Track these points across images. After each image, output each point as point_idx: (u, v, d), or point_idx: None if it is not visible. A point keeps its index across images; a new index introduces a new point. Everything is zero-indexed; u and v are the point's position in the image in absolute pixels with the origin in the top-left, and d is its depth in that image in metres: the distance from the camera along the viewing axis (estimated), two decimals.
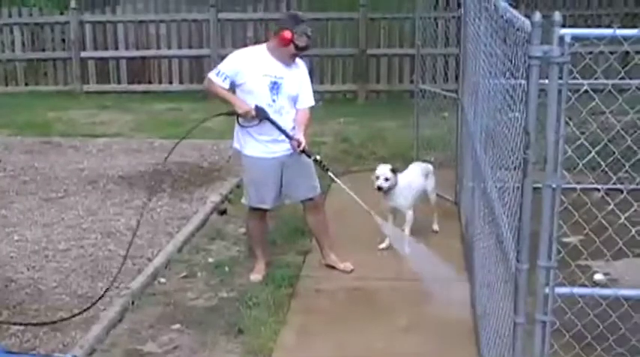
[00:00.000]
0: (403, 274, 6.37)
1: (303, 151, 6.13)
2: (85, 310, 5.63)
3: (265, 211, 6.44)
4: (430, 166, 7.52)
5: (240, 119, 6.15)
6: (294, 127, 6.16)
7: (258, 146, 6.18)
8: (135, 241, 7.07)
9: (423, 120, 8.90)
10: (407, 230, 6.86)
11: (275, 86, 6.06)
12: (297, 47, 6.00)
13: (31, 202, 8.47)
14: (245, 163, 6.38)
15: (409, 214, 6.91)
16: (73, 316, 5.60)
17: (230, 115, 6.22)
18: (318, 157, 6.26)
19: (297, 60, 6.22)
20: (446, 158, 8.70)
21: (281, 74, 6.08)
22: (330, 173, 6.37)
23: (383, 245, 6.89)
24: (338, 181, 6.47)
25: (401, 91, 13.98)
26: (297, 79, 6.18)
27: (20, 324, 5.53)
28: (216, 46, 14.65)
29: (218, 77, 6.09)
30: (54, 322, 5.54)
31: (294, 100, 6.19)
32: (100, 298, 5.75)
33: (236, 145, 6.37)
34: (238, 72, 6.06)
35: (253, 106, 6.02)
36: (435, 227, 7.40)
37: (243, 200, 6.53)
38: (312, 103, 6.31)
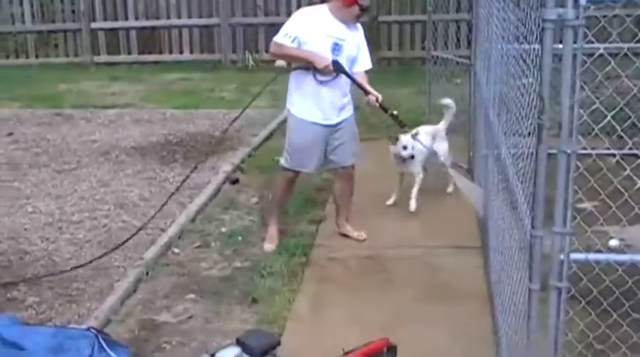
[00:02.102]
0: (416, 242, 6.37)
1: (380, 106, 6.14)
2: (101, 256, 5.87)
3: (297, 174, 6.40)
4: (440, 127, 7.46)
5: (316, 74, 6.02)
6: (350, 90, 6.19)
7: (315, 110, 6.11)
8: (147, 211, 7.13)
9: (435, 87, 8.86)
10: (414, 191, 6.97)
11: (337, 47, 6.00)
12: (361, 8, 5.97)
13: (44, 174, 8.49)
14: (294, 126, 6.26)
15: (419, 177, 7.03)
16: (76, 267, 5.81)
17: (303, 69, 6.05)
18: (395, 112, 6.26)
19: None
20: (459, 125, 8.65)
21: (343, 36, 6.02)
22: (405, 129, 6.49)
23: (390, 201, 7.07)
24: (413, 133, 6.66)
25: (412, 57, 13.90)
26: (357, 41, 6.14)
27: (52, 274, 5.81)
28: (226, 15, 14.56)
29: (286, 39, 5.97)
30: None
31: (353, 62, 6.15)
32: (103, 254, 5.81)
33: (288, 105, 6.28)
34: (304, 32, 5.96)
35: (332, 60, 5.95)
36: (449, 189, 7.34)
37: (282, 162, 6.44)
38: (370, 65, 6.30)
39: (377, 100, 6.10)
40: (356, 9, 5.95)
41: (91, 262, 5.97)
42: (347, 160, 6.38)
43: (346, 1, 5.93)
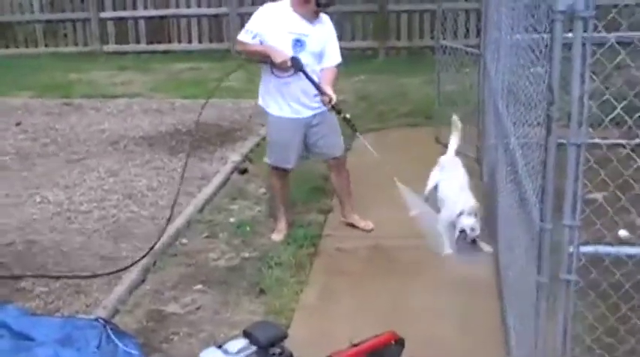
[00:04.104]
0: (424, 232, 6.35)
1: (333, 107, 6.04)
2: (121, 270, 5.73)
3: (287, 170, 6.40)
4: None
5: (274, 69, 6.02)
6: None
7: (283, 106, 6.11)
8: (155, 201, 7.13)
9: (444, 76, 8.81)
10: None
11: (298, 43, 5.96)
12: (318, 4, 5.90)
13: (53, 163, 8.49)
14: (269, 122, 6.32)
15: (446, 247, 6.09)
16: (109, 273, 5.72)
17: (263, 63, 6.03)
18: (347, 116, 6.11)
19: (323, 16, 6.11)
20: (468, 114, 8.61)
21: (305, 31, 5.98)
22: (357, 134, 6.23)
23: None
24: (366, 143, 6.24)
25: (422, 47, 13.84)
26: (322, 36, 6.08)
27: (65, 277, 5.68)
28: (234, 4, 14.53)
29: (247, 35, 5.99)
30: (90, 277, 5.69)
31: (319, 57, 6.09)
32: (138, 261, 5.81)
33: (261, 102, 6.30)
34: (264, 28, 5.94)
35: (290, 57, 5.91)
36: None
37: (265, 159, 6.48)
38: (339, 60, 6.20)
39: (330, 101, 5.98)
40: (312, 5, 5.90)
41: (118, 271, 5.76)
42: (333, 152, 6.36)
43: None
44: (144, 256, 5.83)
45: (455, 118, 7.00)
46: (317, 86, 5.99)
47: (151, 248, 5.89)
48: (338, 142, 6.35)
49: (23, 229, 6.64)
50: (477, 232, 5.97)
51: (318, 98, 6.04)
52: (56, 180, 7.93)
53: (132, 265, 5.77)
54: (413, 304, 5.28)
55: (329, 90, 6.00)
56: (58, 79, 13.00)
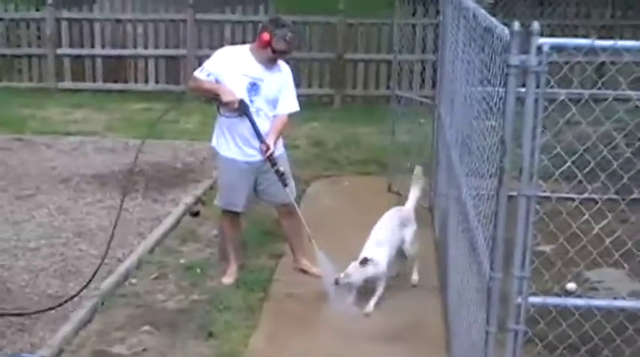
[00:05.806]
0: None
1: (269, 159, 6.06)
2: (58, 306, 5.63)
3: (238, 213, 6.40)
4: (408, 209, 6.46)
5: (220, 108, 6.08)
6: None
7: (234, 148, 6.14)
8: (106, 240, 7.02)
9: (399, 126, 8.90)
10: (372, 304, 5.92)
11: (254, 87, 6.02)
12: (274, 51, 5.97)
13: (2, 199, 8.35)
14: (219, 164, 6.36)
15: (381, 288, 5.99)
16: (50, 309, 5.61)
17: (213, 100, 6.10)
18: (281, 169, 6.12)
19: (282, 64, 6.19)
20: (421, 165, 8.67)
21: (261, 76, 6.04)
22: (287, 190, 6.21)
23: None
24: (293, 200, 6.32)
25: (377, 96, 13.94)
26: (278, 82, 6.14)
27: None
28: (193, 46, 14.56)
29: (202, 73, 6.08)
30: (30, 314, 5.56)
31: (274, 104, 6.14)
32: (74, 296, 5.72)
33: (213, 143, 6.32)
34: (221, 69, 6.03)
35: (239, 99, 5.96)
36: (415, 278, 6.39)
37: (215, 201, 6.49)
38: (294, 108, 6.25)
39: (266, 151, 6.03)
40: (269, 51, 5.99)
41: (62, 303, 5.69)
42: (282, 199, 6.35)
43: (260, 43, 6.00)
44: (75, 295, 5.76)
45: (418, 169, 6.84)
46: (258, 134, 6.03)
47: (84, 286, 5.82)
48: (290, 189, 6.34)
49: None
50: (349, 278, 5.86)
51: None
52: (5, 216, 7.81)
53: (59, 305, 5.68)
54: (362, 351, 5.28)
55: (270, 139, 6.05)
56: (11, 114, 12.84)
